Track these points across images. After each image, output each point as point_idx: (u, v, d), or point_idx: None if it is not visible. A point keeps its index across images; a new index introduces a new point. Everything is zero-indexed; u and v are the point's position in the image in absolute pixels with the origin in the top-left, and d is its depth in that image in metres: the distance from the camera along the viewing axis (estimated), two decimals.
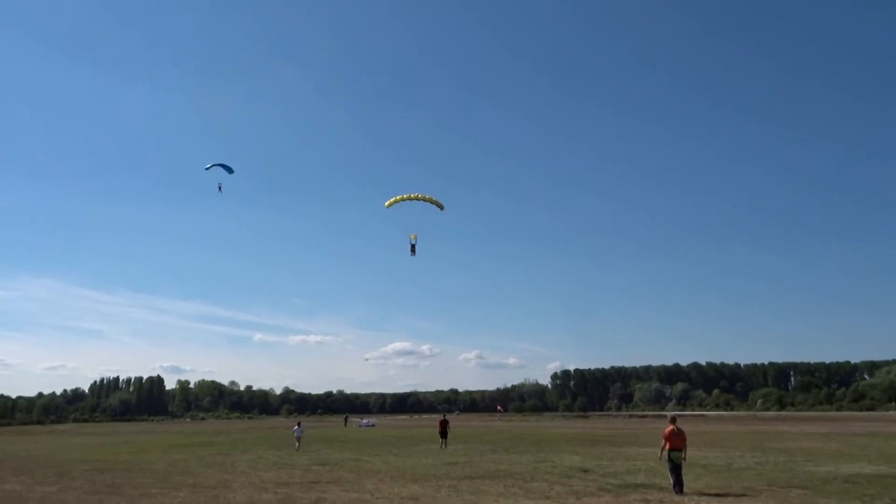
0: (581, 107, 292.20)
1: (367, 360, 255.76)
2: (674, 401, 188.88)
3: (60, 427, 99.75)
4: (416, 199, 32.43)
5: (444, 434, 35.35)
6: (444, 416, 42.92)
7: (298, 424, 37.82)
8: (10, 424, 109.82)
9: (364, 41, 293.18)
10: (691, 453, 28.77)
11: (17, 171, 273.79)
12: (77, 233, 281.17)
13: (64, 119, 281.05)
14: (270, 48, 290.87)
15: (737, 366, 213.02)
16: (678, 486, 16.54)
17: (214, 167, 34.47)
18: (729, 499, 15.36)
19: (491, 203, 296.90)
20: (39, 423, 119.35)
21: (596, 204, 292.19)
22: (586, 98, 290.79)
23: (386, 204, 33.14)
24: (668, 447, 16.78)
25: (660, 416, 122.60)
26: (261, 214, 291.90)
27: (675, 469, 16.63)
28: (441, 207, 32.99)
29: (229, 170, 34.54)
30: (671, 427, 17.00)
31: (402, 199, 32.49)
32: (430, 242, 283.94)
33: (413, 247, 33.52)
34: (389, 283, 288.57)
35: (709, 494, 16.09)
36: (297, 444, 35.65)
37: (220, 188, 34.87)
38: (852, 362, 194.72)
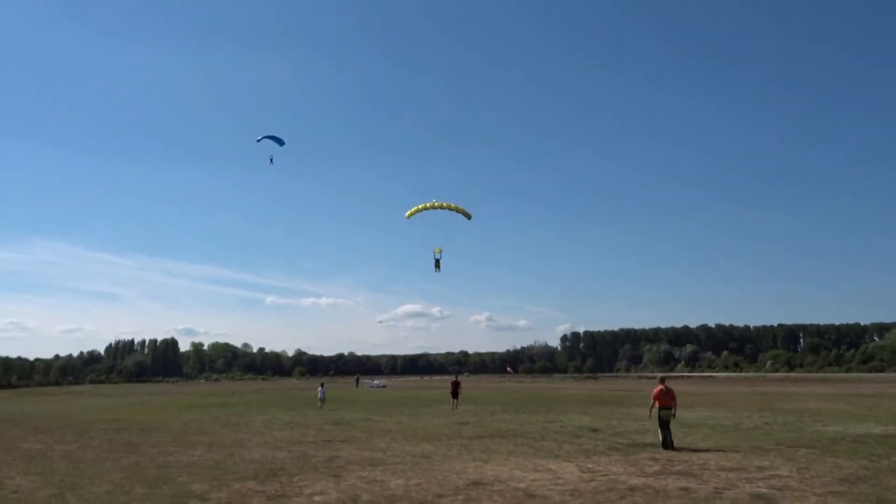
0: (591, 68, 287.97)
1: (381, 322, 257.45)
2: (682, 362, 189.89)
3: (77, 388, 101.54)
4: (440, 207, 29.65)
5: (455, 395, 35.73)
6: (456, 377, 43.34)
7: (322, 385, 39.28)
8: (28, 386, 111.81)
9: (375, 6, 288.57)
10: (700, 413, 29.08)
11: (31, 134, 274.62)
12: (90, 196, 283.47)
13: (79, 82, 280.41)
14: (283, 13, 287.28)
15: (746, 328, 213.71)
16: (668, 442, 17.22)
17: (265, 139, 33.89)
18: (736, 457, 15.50)
19: (499, 164, 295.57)
20: (57, 384, 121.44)
21: (605, 165, 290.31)
22: (600, 61, 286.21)
23: (406, 214, 30.38)
24: (657, 406, 17.67)
25: (667, 377, 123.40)
26: (272, 178, 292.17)
27: (664, 426, 17.51)
28: (468, 217, 30.23)
29: (280, 142, 33.91)
30: (660, 387, 18.01)
31: (424, 209, 29.73)
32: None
33: (437, 262, 30.63)
34: (400, 245, 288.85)
35: (716, 451, 16.24)
36: (320, 404, 36.62)
37: (271, 160, 34.38)
38: (862, 324, 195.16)
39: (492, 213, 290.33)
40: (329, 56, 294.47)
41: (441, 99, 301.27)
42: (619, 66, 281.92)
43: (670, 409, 17.63)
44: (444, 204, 29.81)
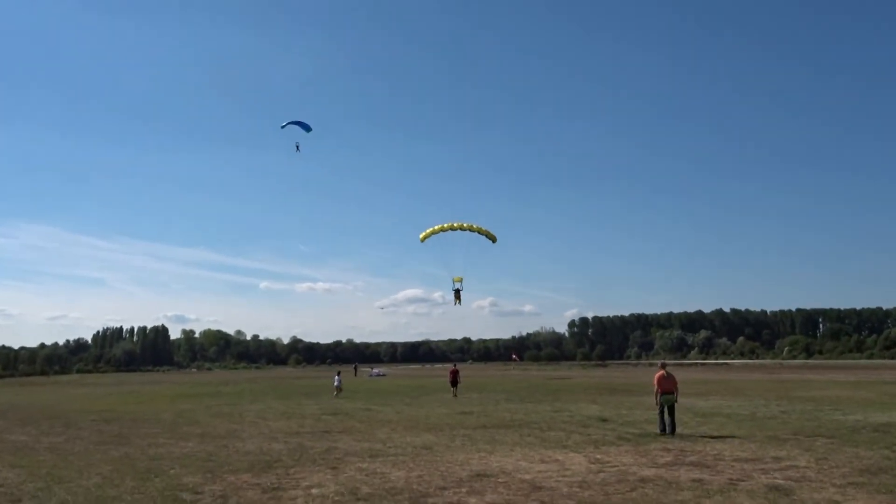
0: (601, 44, 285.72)
1: (382, 308, 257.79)
2: (696, 349, 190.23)
3: (64, 378, 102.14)
4: (459, 229, 27.31)
5: (454, 384, 35.94)
6: (455, 365, 43.55)
7: (338, 374, 42.09)
8: (13, 375, 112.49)
9: None
10: (714, 402, 29.20)
11: (13, 115, 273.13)
12: (74, 178, 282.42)
13: (62, 61, 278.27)
14: None
15: (763, 312, 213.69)
16: (670, 428, 17.99)
17: (290, 125, 33.37)
18: (752, 447, 15.57)
19: (502, 142, 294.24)
20: (43, 374, 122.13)
21: (615, 144, 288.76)
22: (611, 37, 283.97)
23: (420, 237, 28.19)
24: (660, 391, 18.35)
25: (680, 364, 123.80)
26: (264, 157, 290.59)
27: (670, 412, 18.27)
28: (493, 240, 28.12)
29: (307, 128, 33.39)
30: (661, 372, 18.68)
31: (441, 230, 27.42)
32: (440, 187, 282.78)
33: (457, 292, 28.71)
34: (399, 228, 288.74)
35: (731, 441, 16.32)
36: (335, 392, 38.13)
37: (297, 147, 33.84)
38: (884, 308, 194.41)
39: (495, 192, 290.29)
40: (322, 31, 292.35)
41: (443, 76, 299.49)
42: (631, 43, 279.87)
43: (672, 394, 18.35)
44: (465, 225, 27.56)
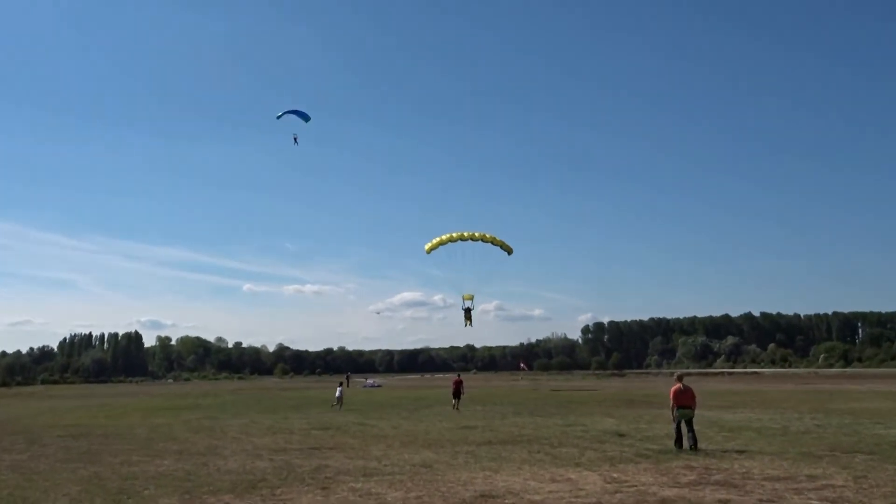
0: (617, 47, 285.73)
1: (377, 313, 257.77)
2: (723, 356, 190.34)
3: (28, 389, 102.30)
4: (471, 239, 26.00)
5: (457, 395, 35.94)
6: (459, 375, 43.60)
7: (341, 384, 43.18)
8: None
9: None
10: (743, 415, 29.20)
11: None
12: (39, 172, 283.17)
13: (25, 52, 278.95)
14: None
15: (796, 317, 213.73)
16: (692, 442, 18.16)
17: (287, 115, 33.15)
18: (784, 465, 15.58)
19: (511, 140, 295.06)
20: (4, 384, 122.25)
21: (632, 143, 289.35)
22: (626, 39, 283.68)
23: (426, 248, 26.91)
24: (675, 406, 18.59)
25: (705, 373, 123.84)
26: (247, 150, 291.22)
27: (688, 425, 18.46)
28: (509, 251, 27.05)
29: (305, 117, 33.14)
30: (677, 385, 18.80)
31: (450, 240, 26.15)
32: (440, 187, 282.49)
33: (468, 311, 27.84)
34: (396, 225, 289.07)
35: (761, 457, 16.32)
36: (337, 403, 38.50)
37: (295, 140, 33.62)
38: None
39: (504, 189, 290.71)
40: (318, 28, 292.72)
41: (433, 72, 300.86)
42: (649, 46, 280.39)
43: (690, 408, 18.57)
44: (476, 234, 26.28)
